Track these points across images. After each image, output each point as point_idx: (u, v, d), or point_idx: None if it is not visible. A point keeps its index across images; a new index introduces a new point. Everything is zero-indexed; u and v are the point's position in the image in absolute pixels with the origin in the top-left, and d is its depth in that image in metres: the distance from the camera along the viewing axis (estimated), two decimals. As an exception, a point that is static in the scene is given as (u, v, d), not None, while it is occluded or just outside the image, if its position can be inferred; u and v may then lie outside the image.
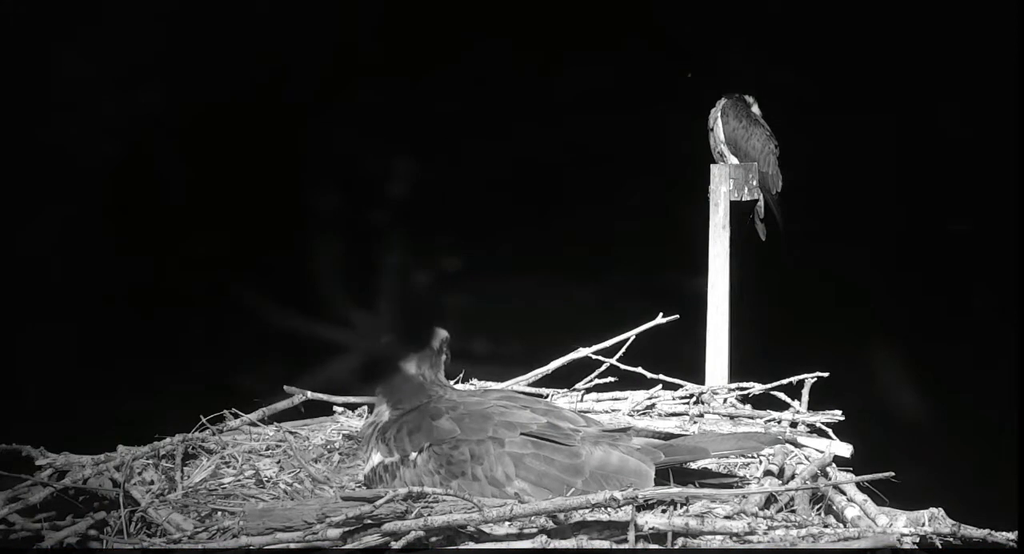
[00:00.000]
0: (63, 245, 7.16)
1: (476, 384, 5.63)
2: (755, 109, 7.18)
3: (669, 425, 5.20)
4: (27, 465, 4.46)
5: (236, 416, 5.11)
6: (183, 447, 4.69)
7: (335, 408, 5.35)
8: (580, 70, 7.61)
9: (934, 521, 4.25)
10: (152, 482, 4.47)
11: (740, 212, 6.52)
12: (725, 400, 5.57)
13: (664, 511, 3.99)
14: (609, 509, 3.83)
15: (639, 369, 5.60)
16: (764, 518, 3.89)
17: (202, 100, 7.31)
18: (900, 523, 4.27)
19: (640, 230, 7.69)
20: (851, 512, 4.33)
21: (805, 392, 5.44)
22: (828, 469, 4.67)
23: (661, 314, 5.73)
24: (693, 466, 4.31)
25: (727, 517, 3.93)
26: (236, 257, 7.48)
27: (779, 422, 5.27)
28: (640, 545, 3.80)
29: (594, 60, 7.58)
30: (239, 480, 4.56)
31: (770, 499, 4.26)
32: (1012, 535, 4.06)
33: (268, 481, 4.57)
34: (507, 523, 3.84)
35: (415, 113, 7.60)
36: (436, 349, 4.54)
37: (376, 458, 4.35)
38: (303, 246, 7.77)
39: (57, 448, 4.53)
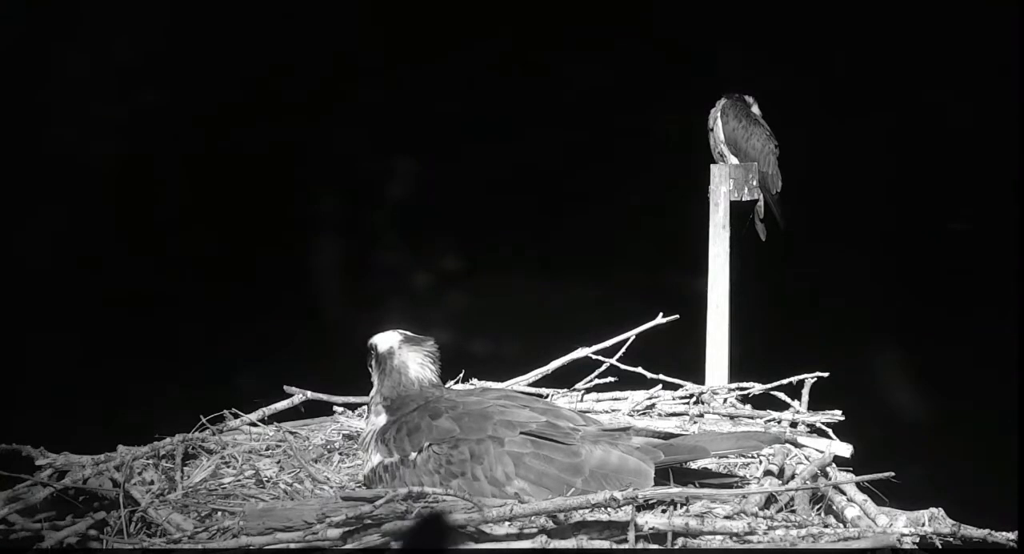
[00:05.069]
0: (63, 246, 7.16)
1: (476, 384, 5.62)
2: (755, 109, 7.18)
3: (669, 425, 5.19)
4: (27, 465, 4.45)
5: (236, 416, 5.11)
6: (183, 447, 4.68)
7: (335, 408, 5.35)
8: (580, 70, 7.61)
9: (934, 521, 4.25)
10: (152, 482, 4.46)
11: (740, 212, 6.52)
12: (725, 400, 5.57)
13: (664, 511, 3.99)
14: (609, 509, 3.83)
15: (639, 369, 5.59)
16: (764, 518, 3.89)
17: (201, 100, 7.31)
18: (900, 523, 4.26)
19: (640, 230, 7.69)
20: (851, 512, 4.33)
21: (805, 392, 5.43)
22: (828, 469, 4.67)
23: (661, 314, 5.73)
24: (693, 466, 4.31)
25: (727, 517, 3.93)
26: (236, 257, 7.49)
27: (779, 422, 5.26)
28: (640, 545, 3.80)
29: (594, 60, 7.58)
30: (239, 480, 4.56)
31: (770, 499, 4.26)
32: (1012, 535, 4.06)
33: (268, 481, 4.56)
34: (507, 523, 3.84)
35: (415, 113, 7.60)
36: (431, 351, 4.54)
37: (376, 458, 4.35)
38: (303, 246, 7.78)
39: (57, 448, 4.53)
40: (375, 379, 4.55)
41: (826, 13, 7.26)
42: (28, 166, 6.99)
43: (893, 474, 4.02)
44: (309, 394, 5.34)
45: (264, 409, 5.18)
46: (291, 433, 5.04)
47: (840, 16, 7.29)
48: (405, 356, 4.49)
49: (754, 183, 6.48)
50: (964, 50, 7.07)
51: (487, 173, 7.56)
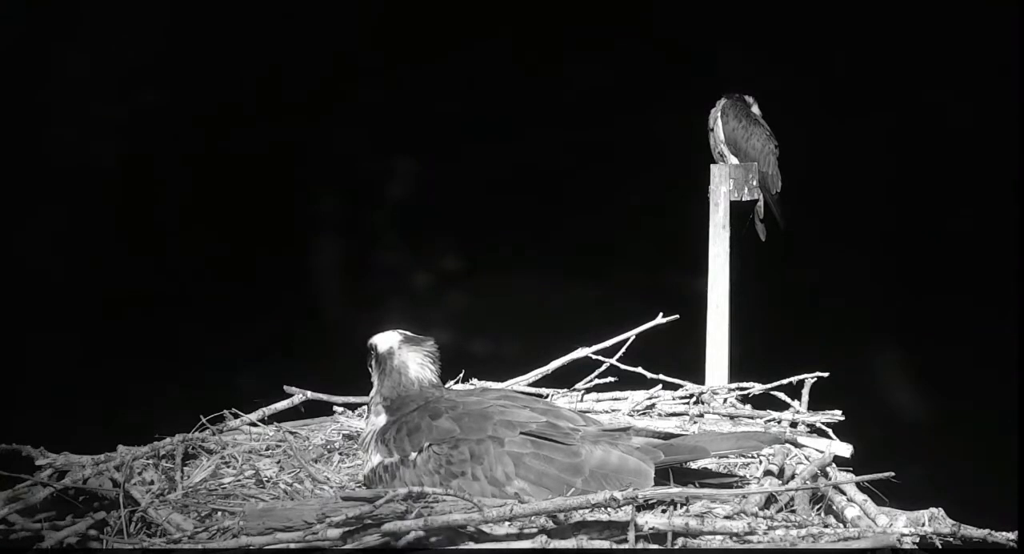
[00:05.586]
0: (64, 246, 7.16)
1: (476, 384, 5.62)
2: (755, 109, 7.18)
3: (669, 425, 5.19)
4: (27, 465, 4.45)
5: (236, 416, 5.10)
6: (183, 447, 4.68)
7: (335, 408, 5.34)
8: (580, 70, 7.62)
9: (934, 521, 4.25)
10: (152, 482, 4.46)
11: (740, 212, 6.52)
12: (725, 400, 5.56)
13: (664, 511, 3.99)
14: (609, 509, 3.83)
15: (639, 369, 5.59)
16: (764, 518, 3.88)
17: (201, 100, 7.31)
18: (900, 523, 4.26)
19: (640, 230, 7.70)
20: (851, 512, 4.33)
21: (805, 392, 5.43)
22: (828, 469, 4.67)
23: (661, 314, 5.73)
24: (693, 466, 4.31)
25: (727, 517, 3.93)
26: (236, 257, 7.49)
27: (779, 422, 5.26)
28: (640, 545, 3.80)
29: (594, 60, 7.58)
30: (239, 480, 4.56)
31: (770, 499, 4.25)
32: (1012, 535, 4.06)
33: (268, 481, 4.56)
34: (507, 523, 3.84)
35: (415, 113, 7.60)
36: (431, 351, 4.54)
37: (376, 459, 4.35)
38: (303, 246, 7.78)
39: (57, 448, 4.53)
40: (375, 379, 4.54)
41: (826, 13, 7.26)
42: (28, 166, 6.99)
43: (893, 474, 4.01)
44: (309, 394, 5.34)
45: (264, 409, 5.18)
46: (291, 433, 5.04)
47: (840, 16, 7.30)
48: (405, 356, 4.49)
49: (754, 183, 6.48)
50: (964, 50, 7.07)
51: (487, 173, 7.56)
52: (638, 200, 7.70)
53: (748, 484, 4.41)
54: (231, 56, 7.22)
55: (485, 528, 3.84)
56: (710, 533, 3.84)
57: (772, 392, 5.53)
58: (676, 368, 5.65)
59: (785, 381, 5.50)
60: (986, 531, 4.14)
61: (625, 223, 7.77)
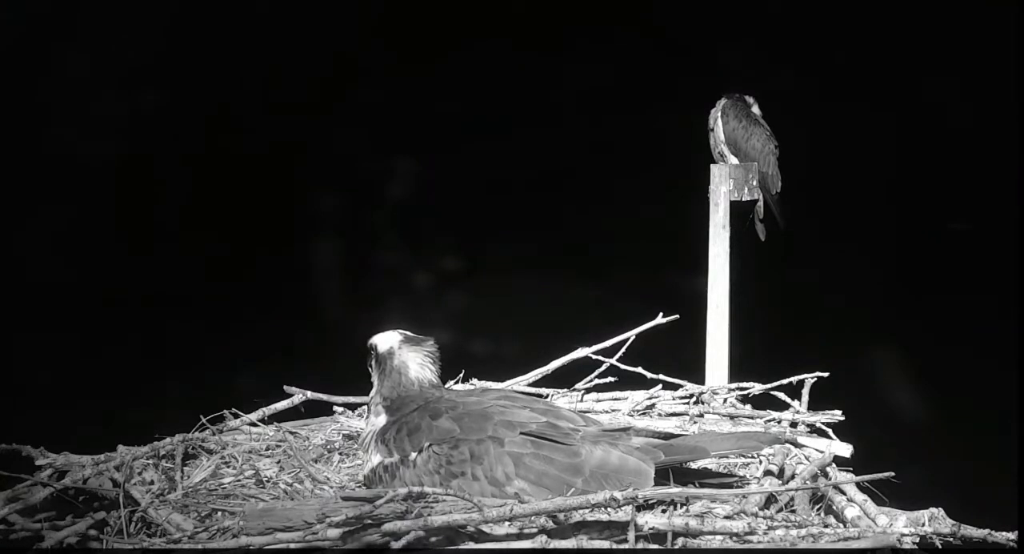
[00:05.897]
0: (64, 246, 7.16)
1: (476, 384, 5.62)
2: (755, 109, 7.19)
3: (669, 425, 5.19)
4: (27, 465, 4.45)
5: (236, 416, 5.11)
6: (183, 447, 4.68)
7: (335, 408, 5.35)
8: (580, 70, 7.62)
9: (934, 521, 4.25)
10: (152, 482, 4.46)
11: (740, 212, 6.52)
12: (725, 400, 5.57)
13: (664, 511, 3.99)
14: (609, 509, 3.83)
15: (639, 369, 5.59)
16: (764, 518, 3.88)
17: (202, 100, 7.31)
18: (900, 523, 4.26)
19: (640, 230, 7.70)
20: (851, 512, 4.33)
21: (805, 392, 5.43)
22: (828, 469, 4.67)
23: (661, 314, 5.72)
24: (693, 466, 4.31)
25: (727, 517, 3.93)
26: (236, 257, 7.49)
27: (779, 422, 5.26)
28: (640, 545, 3.80)
29: (594, 60, 7.58)
30: (239, 480, 4.56)
31: (770, 499, 4.26)
32: (1012, 535, 4.06)
33: (268, 481, 4.56)
34: (507, 523, 3.84)
35: (415, 113, 7.60)
36: (431, 351, 4.54)
37: (376, 459, 4.35)
38: (303, 246, 7.78)
39: (57, 448, 4.53)
40: (375, 379, 4.54)
41: (826, 13, 7.27)
42: (28, 166, 6.99)
43: (893, 474, 4.01)
44: (309, 394, 5.34)
45: (264, 409, 5.18)
46: (291, 433, 5.04)
47: (840, 16, 7.30)
48: (405, 356, 4.49)
49: (754, 183, 6.48)
50: (964, 50, 7.07)
51: (487, 173, 7.56)
52: (638, 200, 7.70)
53: (748, 484, 4.41)
54: (231, 56, 7.22)
55: (485, 528, 3.84)
56: (710, 533, 3.84)
57: (772, 392, 5.53)
58: (676, 368, 5.65)
59: (785, 381, 5.51)
60: (986, 531, 4.14)
61: (625, 223, 7.77)
